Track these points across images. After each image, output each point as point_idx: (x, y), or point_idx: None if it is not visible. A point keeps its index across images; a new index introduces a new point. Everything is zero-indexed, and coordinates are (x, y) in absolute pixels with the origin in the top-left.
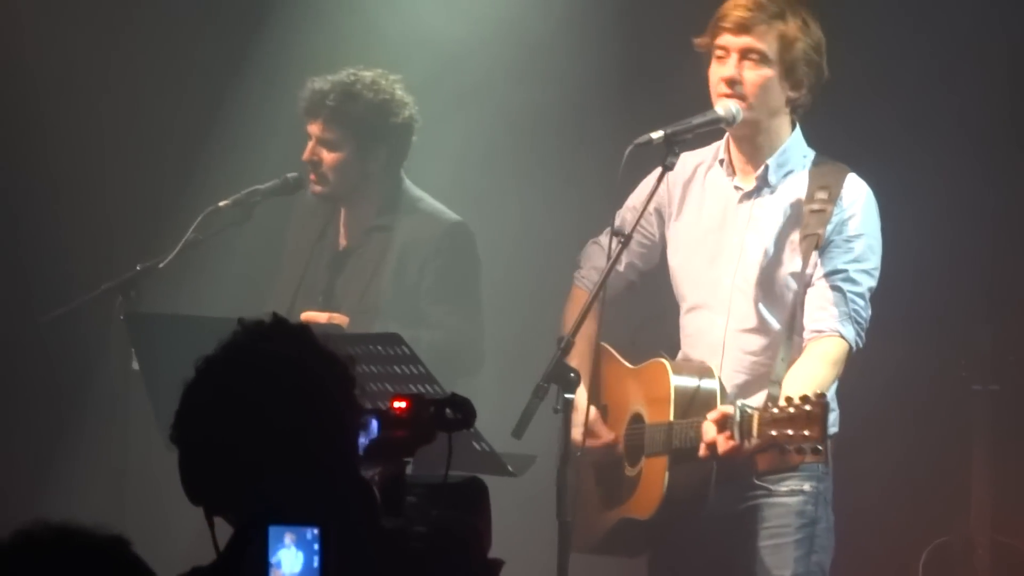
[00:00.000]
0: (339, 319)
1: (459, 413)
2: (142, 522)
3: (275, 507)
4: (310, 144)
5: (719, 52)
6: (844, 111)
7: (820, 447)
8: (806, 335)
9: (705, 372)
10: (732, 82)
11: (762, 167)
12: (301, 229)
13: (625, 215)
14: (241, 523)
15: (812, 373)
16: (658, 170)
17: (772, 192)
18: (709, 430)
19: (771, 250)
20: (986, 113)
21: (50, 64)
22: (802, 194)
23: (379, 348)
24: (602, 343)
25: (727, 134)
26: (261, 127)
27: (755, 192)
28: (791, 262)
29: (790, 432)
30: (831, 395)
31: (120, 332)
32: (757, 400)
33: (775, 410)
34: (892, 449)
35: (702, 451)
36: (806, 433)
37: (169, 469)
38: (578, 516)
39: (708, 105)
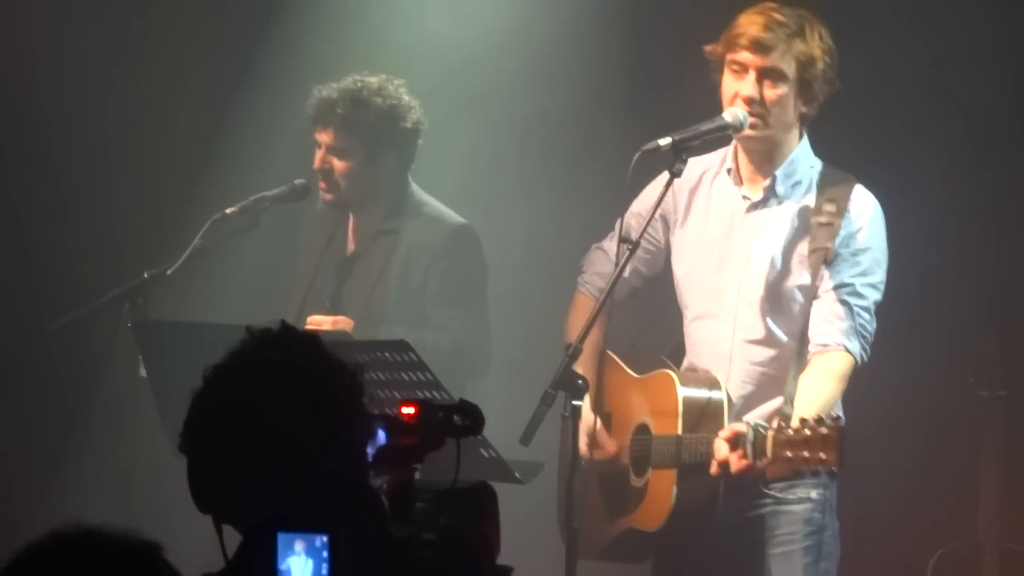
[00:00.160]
0: (344, 322)
1: (468, 419)
2: (149, 528)
3: (284, 514)
4: (320, 152)
5: (735, 67)
6: (846, 117)
7: (836, 470)
8: (811, 348)
9: (712, 384)
10: (751, 101)
11: (770, 178)
12: (311, 237)
13: (631, 221)
14: (250, 531)
15: (819, 389)
16: (663, 176)
17: (779, 203)
18: (721, 448)
19: (778, 261)
20: (991, 118)
21: (57, 71)
22: (810, 205)
23: (387, 355)
24: (606, 350)
25: (734, 142)
26: (268, 134)
27: (763, 202)
28: (799, 275)
29: (806, 454)
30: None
31: (127, 339)
32: (763, 411)
33: (790, 431)
34: (900, 455)
35: (714, 469)
36: (822, 456)
37: (176, 475)
38: (582, 523)
39: (715, 111)
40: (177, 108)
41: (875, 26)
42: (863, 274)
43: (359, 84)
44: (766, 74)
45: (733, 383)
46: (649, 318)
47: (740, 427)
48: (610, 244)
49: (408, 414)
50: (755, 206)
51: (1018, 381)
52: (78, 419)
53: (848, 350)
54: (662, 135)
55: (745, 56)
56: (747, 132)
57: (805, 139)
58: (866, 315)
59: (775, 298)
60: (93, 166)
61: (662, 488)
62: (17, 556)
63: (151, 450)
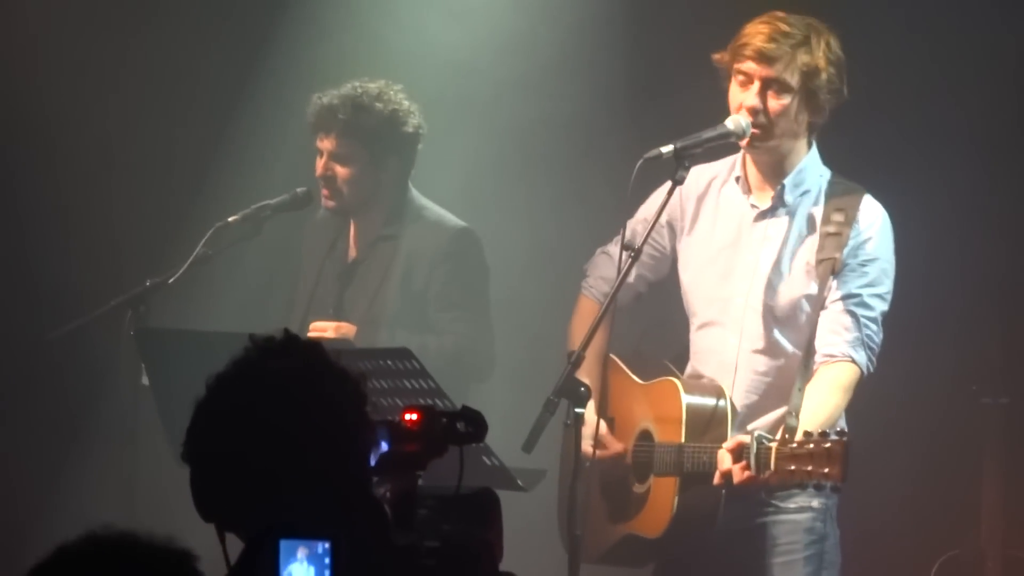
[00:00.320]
0: (347, 328)
1: (471, 426)
2: None
3: (286, 522)
4: (322, 159)
5: (741, 77)
6: (848, 121)
7: (839, 485)
8: (818, 358)
9: (717, 392)
10: (755, 111)
11: (778, 187)
12: (313, 244)
13: (636, 227)
14: (252, 538)
15: (824, 400)
16: (670, 182)
17: (788, 212)
18: (724, 459)
19: (786, 271)
20: (993, 123)
21: (59, 79)
22: (818, 215)
23: (389, 362)
24: (610, 355)
25: (743, 150)
26: (270, 142)
27: (771, 211)
28: (806, 286)
29: (809, 468)
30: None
31: (129, 347)
32: (767, 420)
33: (794, 445)
34: (903, 462)
35: (716, 479)
36: (826, 471)
37: (179, 483)
38: (584, 527)
39: (718, 118)
40: (179, 116)
41: (876, 29)
42: (871, 285)
43: (359, 90)
44: (770, 84)
45: (738, 392)
46: (653, 323)
47: (744, 438)
48: (615, 248)
49: (411, 420)
50: (763, 215)
51: (1021, 388)
52: (80, 427)
53: (854, 361)
54: (665, 141)
55: (750, 66)
56: (751, 141)
57: (814, 149)
58: (873, 326)
59: (782, 307)
60: (95, 174)
61: (663, 496)
62: (51, 556)
63: (153, 458)
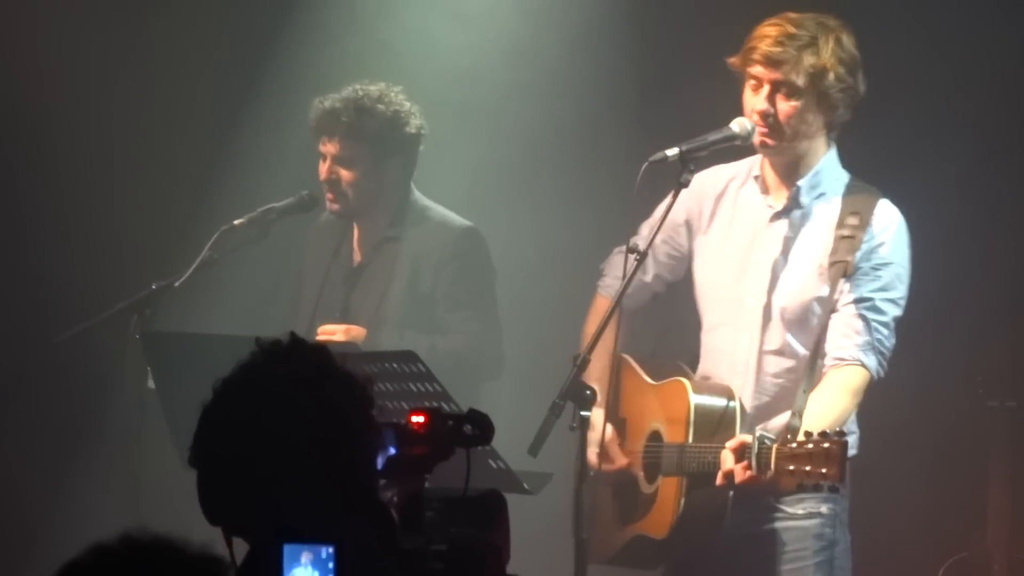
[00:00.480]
0: (356, 331)
1: (477, 429)
2: None
3: (291, 526)
4: (326, 163)
5: (752, 81)
6: (857, 121)
7: (838, 485)
8: (827, 361)
9: (726, 393)
10: (765, 115)
11: (794, 188)
12: (317, 248)
13: (643, 230)
14: (257, 542)
15: (832, 403)
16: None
17: (803, 213)
18: (727, 459)
19: (799, 273)
20: (1004, 124)
21: (63, 83)
22: (834, 218)
23: (395, 366)
24: (623, 355)
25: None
26: (275, 145)
27: (785, 212)
28: (818, 287)
29: (807, 468)
30: (851, 418)
31: (136, 351)
32: (777, 422)
33: (794, 445)
34: (909, 466)
35: (719, 479)
36: (823, 471)
37: (184, 486)
38: (594, 528)
39: (724, 120)
40: (184, 120)
41: (886, 28)
42: (883, 289)
43: (360, 92)
44: (779, 88)
45: (748, 393)
46: (670, 324)
47: (746, 438)
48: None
49: (418, 423)
50: (778, 215)
51: None
52: (86, 430)
53: (864, 365)
54: (672, 143)
55: (758, 70)
56: (761, 143)
57: (833, 150)
58: (884, 331)
59: (794, 309)
60: (101, 178)
61: (670, 496)
62: (88, 554)
63: (159, 461)
